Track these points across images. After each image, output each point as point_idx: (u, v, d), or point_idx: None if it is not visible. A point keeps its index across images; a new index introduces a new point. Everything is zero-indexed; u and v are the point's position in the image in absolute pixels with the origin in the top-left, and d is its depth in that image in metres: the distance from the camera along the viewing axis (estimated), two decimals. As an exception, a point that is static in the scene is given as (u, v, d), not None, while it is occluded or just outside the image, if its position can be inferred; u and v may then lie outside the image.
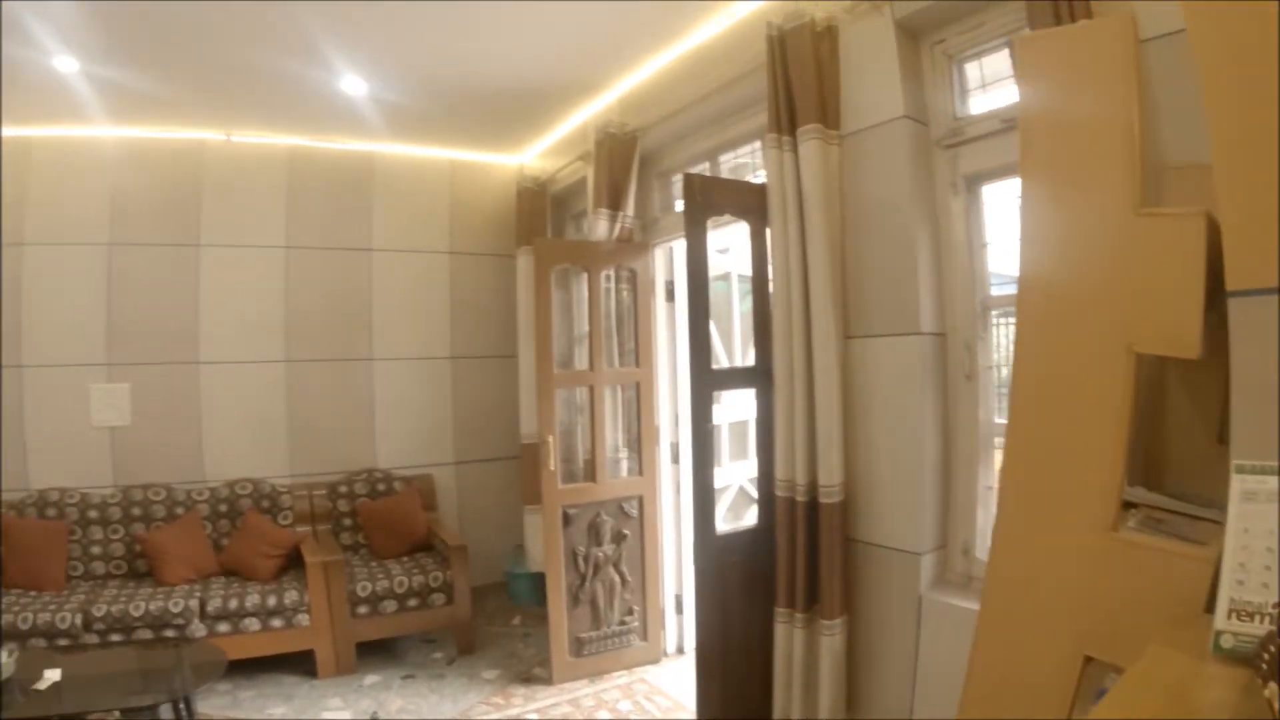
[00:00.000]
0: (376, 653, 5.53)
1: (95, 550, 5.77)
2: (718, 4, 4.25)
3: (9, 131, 5.93)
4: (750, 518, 5.34)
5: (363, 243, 6.76)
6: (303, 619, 5.26)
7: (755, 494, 5.36)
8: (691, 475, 3.91)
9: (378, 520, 6.16)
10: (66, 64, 4.86)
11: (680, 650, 5.40)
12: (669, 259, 5.37)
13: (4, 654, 3.87)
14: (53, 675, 3.93)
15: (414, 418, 6.80)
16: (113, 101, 5.56)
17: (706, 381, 3.93)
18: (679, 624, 5.38)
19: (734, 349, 5.98)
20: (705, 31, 4.52)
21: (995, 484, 3.17)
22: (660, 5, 4.24)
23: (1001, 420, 3.30)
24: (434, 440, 6.81)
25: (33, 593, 5.28)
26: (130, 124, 6.13)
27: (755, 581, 3.84)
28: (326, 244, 6.65)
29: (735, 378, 4.81)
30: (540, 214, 6.46)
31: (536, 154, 6.88)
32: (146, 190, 6.25)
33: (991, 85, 3.39)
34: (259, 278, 6.48)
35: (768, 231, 3.85)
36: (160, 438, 6.21)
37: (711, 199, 3.90)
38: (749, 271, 4.50)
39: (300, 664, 5.29)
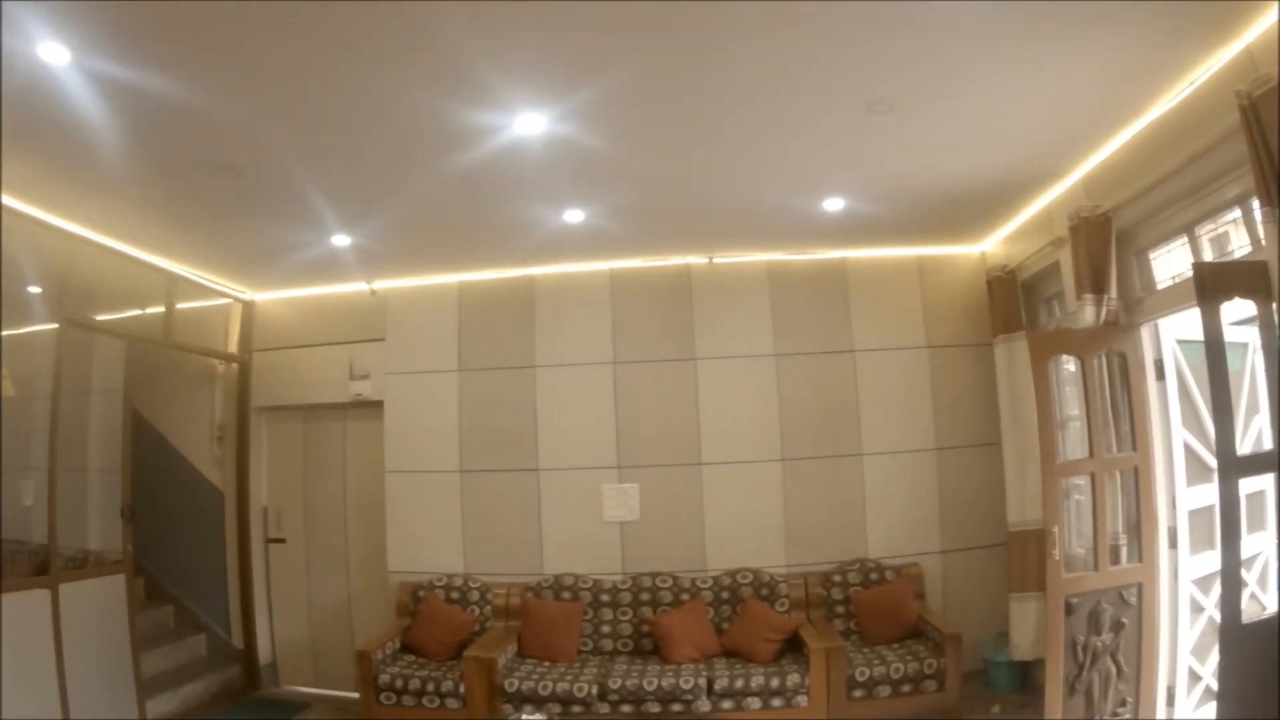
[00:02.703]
0: (864, 734, 5.91)
1: (605, 629, 6.84)
2: (1171, 79, 4.35)
3: (525, 271, 7.58)
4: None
5: (845, 345, 7.36)
6: (801, 700, 5.81)
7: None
8: (1221, 565, 3.97)
9: (870, 608, 6.59)
10: (575, 215, 6.09)
11: (1169, 743, 5.25)
12: (1155, 337, 5.32)
13: (543, 717, 4.66)
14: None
15: (902, 508, 7.15)
16: (609, 241, 6.79)
17: (1234, 469, 3.98)
18: (1169, 715, 5.22)
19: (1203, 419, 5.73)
20: (1163, 106, 4.61)
21: None
22: (1113, 90, 4.44)
23: None
24: (921, 530, 7.09)
25: (547, 663, 6.40)
26: (623, 258, 7.40)
27: (1272, 669, 3.79)
28: (812, 349, 7.35)
29: (1258, 463, 4.64)
30: (1013, 301, 6.63)
31: (997, 241, 7.12)
32: (640, 313, 7.47)
33: None
34: (753, 384, 7.33)
35: (1274, 307, 3.87)
36: (666, 531, 7.20)
37: (1221, 284, 4.01)
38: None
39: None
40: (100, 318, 6.78)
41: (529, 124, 4.50)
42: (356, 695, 6.61)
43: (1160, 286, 5.26)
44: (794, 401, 7.29)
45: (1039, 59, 4.07)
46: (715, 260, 7.43)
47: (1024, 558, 6.02)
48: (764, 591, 6.76)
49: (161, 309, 7.32)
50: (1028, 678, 6.27)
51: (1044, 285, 6.67)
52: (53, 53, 3.61)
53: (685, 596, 6.86)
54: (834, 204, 6.07)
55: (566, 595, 6.98)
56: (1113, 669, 5.08)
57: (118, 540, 6.64)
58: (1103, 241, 5.25)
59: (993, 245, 7.22)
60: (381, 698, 6.25)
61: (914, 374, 7.32)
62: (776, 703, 5.82)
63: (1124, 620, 5.10)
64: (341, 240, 6.55)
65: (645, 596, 6.91)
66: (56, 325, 6.10)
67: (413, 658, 6.68)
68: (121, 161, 4.89)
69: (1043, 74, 4.23)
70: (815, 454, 7.23)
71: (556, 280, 7.61)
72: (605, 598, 6.96)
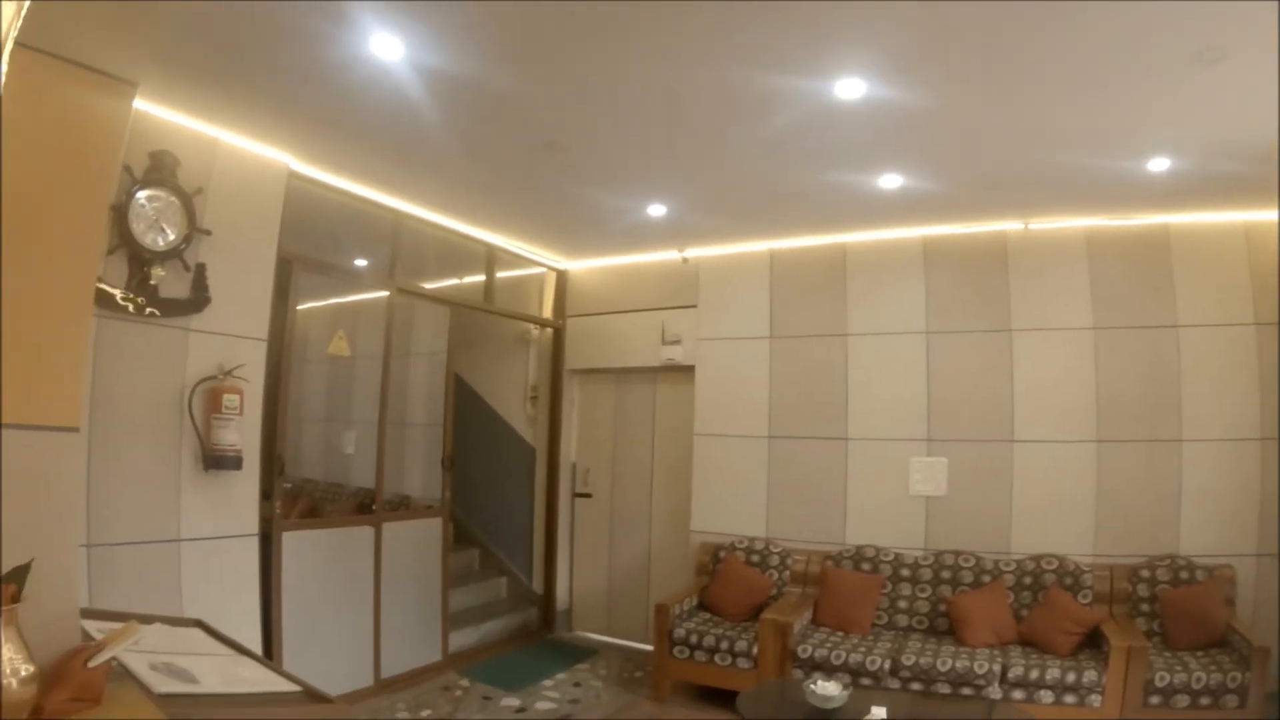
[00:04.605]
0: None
1: (901, 605, 7.20)
2: None
3: (836, 239, 7.96)
4: None
5: (1168, 319, 7.07)
6: (1095, 699, 5.85)
7: None
8: None
9: (1177, 609, 6.44)
10: (891, 180, 6.36)
11: None
12: None
13: (837, 686, 5.04)
14: (879, 712, 4.78)
15: (1219, 503, 6.85)
16: (922, 206, 7.02)
17: None
18: None
19: None
20: None
21: None
22: None
23: None
24: (1237, 528, 6.78)
25: (840, 633, 6.86)
26: (936, 224, 7.59)
27: None
28: (1132, 322, 7.15)
29: None
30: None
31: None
32: (954, 281, 7.64)
33: None
34: (1069, 359, 7.28)
35: None
36: (972, 509, 7.39)
37: None
38: None
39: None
40: (426, 286, 7.77)
41: (848, 89, 4.73)
42: (646, 646, 7.45)
43: None
44: (1112, 379, 7.14)
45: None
46: (1031, 226, 7.42)
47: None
48: (1068, 581, 6.75)
49: (481, 278, 8.28)
50: (1333, 708, 6.05)
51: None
52: (386, 46, 4.34)
53: (986, 578, 7.00)
54: (1158, 164, 5.84)
55: (866, 567, 7.37)
56: None
57: (435, 487, 7.75)
58: None
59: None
60: (675, 651, 6.95)
61: (1240, 353, 6.94)
62: (1069, 699, 5.87)
63: None
64: (657, 210, 7.21)
65: (946, 575, 7.14)
66: (387, 293, 7.11)
67: (708, 615, 7.36)
68: (448, 143, 5.74)
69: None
70: (1132, 437, 7.06)
71: (869, 247, 7.92)
72: (905, 572, 7.26)
